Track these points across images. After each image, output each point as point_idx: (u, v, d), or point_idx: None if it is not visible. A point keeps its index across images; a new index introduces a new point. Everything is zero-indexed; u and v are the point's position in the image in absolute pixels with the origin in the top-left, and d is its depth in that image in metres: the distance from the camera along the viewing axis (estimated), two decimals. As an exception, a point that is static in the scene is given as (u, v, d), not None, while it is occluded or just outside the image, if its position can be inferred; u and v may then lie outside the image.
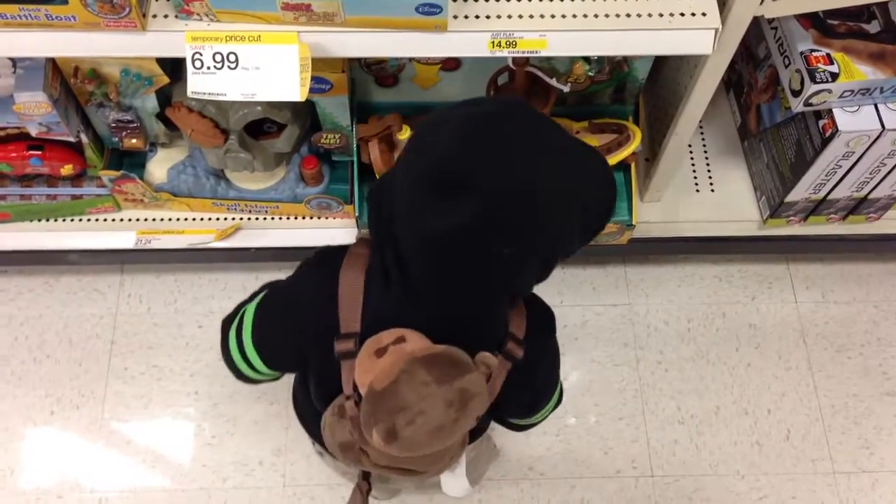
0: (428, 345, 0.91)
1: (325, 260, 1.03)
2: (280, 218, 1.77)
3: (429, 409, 0.87)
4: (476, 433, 1.19)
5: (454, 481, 1.17)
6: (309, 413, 1.17)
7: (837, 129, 1.49)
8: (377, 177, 1.56)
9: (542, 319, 1.09)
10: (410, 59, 1.56)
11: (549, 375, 1.15)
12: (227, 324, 1.15)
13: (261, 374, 1.14)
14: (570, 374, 1.93)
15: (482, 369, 0.91)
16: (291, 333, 1.04)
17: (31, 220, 1.75)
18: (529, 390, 1.10)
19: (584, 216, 0.90)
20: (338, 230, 1.77)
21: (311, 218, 1.76)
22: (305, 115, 1.61)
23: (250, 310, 1.11)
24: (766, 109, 1.75)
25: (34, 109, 1.45)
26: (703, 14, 1.25)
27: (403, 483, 1.21)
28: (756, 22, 1.31)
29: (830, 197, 1.72)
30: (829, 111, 1.51)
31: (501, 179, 0.82)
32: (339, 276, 0.97)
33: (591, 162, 0.93)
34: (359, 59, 1.56)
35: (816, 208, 1.77)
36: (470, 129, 0.86)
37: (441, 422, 0.88)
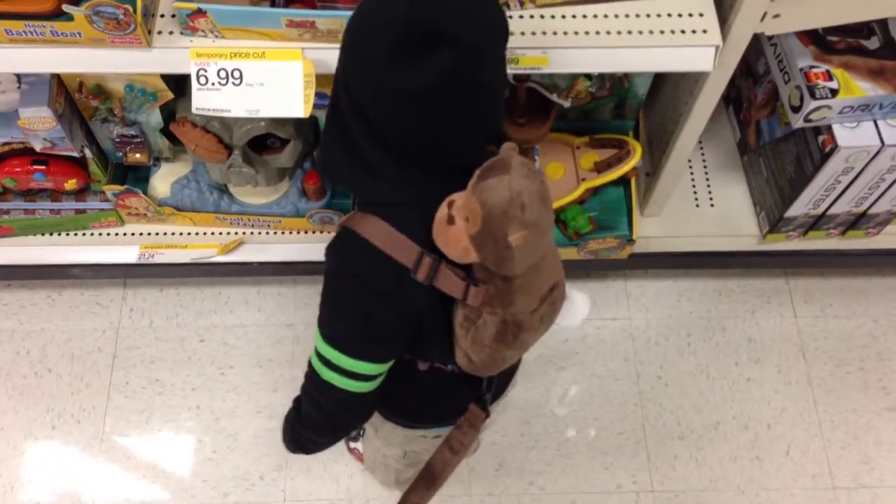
0: (467, 188, 0.94)
1: (338, 248, 1.04)
2: (283, 232, 1.77)
3: (524, 188, 0.91)
4: None
5: (571, 306, 1.18)
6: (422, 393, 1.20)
7: (837, 145, 1.50)
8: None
9: None
10: (412, 75, 1.57)
11: None
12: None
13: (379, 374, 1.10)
14: (571, 387, 1.93)
15: (511, 151, 0.96)
16: (391, 312, 1.03)
17: (35, 235, 1.76)
18: None
19: None
20: (340, 245, 1.77)
21: (314, 232, 1.77)
22: (308, 130, 1.62)
23: (336, 355, 1.05)
24: (765, 125, 1.76)
25: (39, 124, 1.46)
26: (704, 31, 1.26)
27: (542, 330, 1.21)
28: (756, 38, 1.32)
29: (830, 212, 1.73)
30: (829, 127, 1.52)
31: (468, 19, 0.90)
32: (363, 238, 0.99)
33: None
34: (361, 75, 1.57)
35: (816, 223, 1.78)
36: None
37: (538, 188, 0.92)
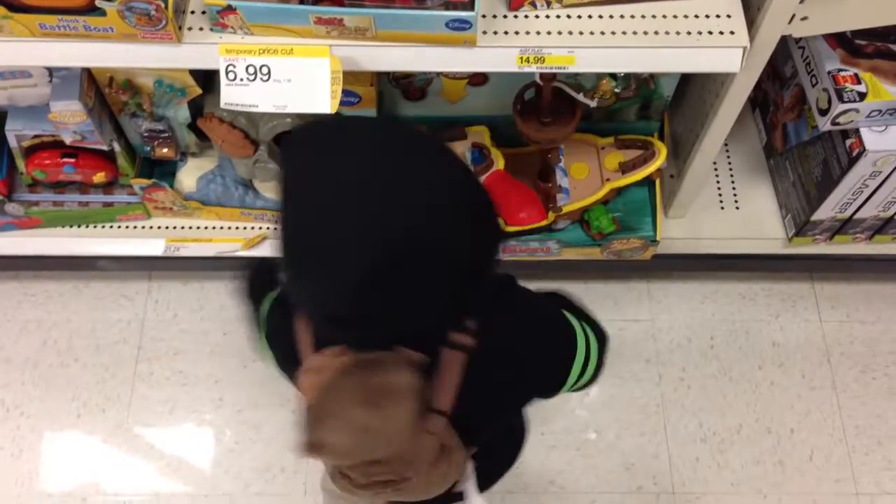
0: (361, 355, 0.91)
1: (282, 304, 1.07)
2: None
3: (346, 412, 0.86)
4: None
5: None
6: None
7: (864, 149, 1.49)
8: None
9: (493, 292, 1.02)
10: (438, 74, 1.58)
11: (537, 337, 1.05)
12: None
13: None
14: (592, 388, 1.92)
15: (401, 365, 0.90)
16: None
17: (63, 227, 1.78)
18: (514, 366, 1.02)
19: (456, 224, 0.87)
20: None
21: (337, 228, 1.78)
22: (334, 127, 1.63)
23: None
24: (792, 128, 1.75)
25: (69, 118, 1.48)
26: (732, 32, 1.26)
27: None
28: (783, 41, 1.31)
29: (857, 216, 1.71)
30: (857, 130, 1.51)
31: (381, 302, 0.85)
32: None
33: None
34: (387, 73, 1.58)
35: (842, 227, 1.76)
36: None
37: (362, 422, 0.86)
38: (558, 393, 1.11)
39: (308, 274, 0.86)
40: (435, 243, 0.84)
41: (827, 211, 1.69)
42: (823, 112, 1.49)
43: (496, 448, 1.20)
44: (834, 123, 1.48)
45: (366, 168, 0.83)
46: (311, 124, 0.91)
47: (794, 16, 1.26)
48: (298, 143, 0.89)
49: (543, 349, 1.06)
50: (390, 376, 0.89)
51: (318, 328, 0.96)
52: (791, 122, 1.75)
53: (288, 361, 1.05)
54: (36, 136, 1.60)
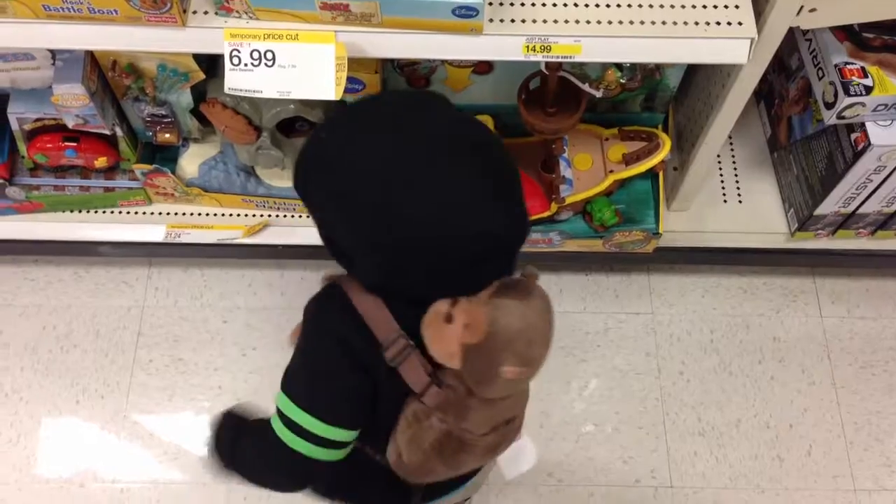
0: (480, 294, 0.91)
1: (323, 304, 0.99)
2: (308, 216, 1.78)
3: (536, 324, 0.90)
4: None
5: (521, 452, 1.17)
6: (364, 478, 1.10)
7: (870, 143, 1.49)
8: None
9: None
10: (443, 62, 1.57)
11: None
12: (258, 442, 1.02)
13: (347, 444, 1.01)
14: (591, 380, 1.93)
15: (533, 278, 0.95)
16: (357, 376, 0.96)
17: (64, 211, 1.78)
18: None
19: None
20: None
21: (339, 217, 1.77)
22: (337, 114, 1.63)
23: (296, 411, 0.97)
24: (797, 121, 1.74)
25: (72, 101, 1.47)
26: (740, 23, 1.25)
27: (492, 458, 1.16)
28: (790, 33, 1.30)
29: (860, 211, 1.71)
30: (862, 124, 1.50)
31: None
32: (349, 301, 0.95)
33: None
34: (391, 61, 1.57)
35: (845, 222, 1.76)
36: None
37: (547, 329, 0.91)
38: None
39: (439, 241, 0.87)
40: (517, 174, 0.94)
41: (830, 206, 1.69)
42: (829, 105, 1.48)
43: None
44: (840, 117, 1.48)
45: (441, 127, 0.91)
46: (347, 113, 0.94)
47: (802, 7, 1.25)
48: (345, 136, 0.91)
49: None
50: (537, 287, 0.94)
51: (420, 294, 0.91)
52: (796, 116, 1.74)
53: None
54: (38, 120, 1.59)
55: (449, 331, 0.88)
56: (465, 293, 0.91)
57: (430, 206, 0.86)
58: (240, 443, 1.04)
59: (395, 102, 0.99)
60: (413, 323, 0.92)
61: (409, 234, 0.87)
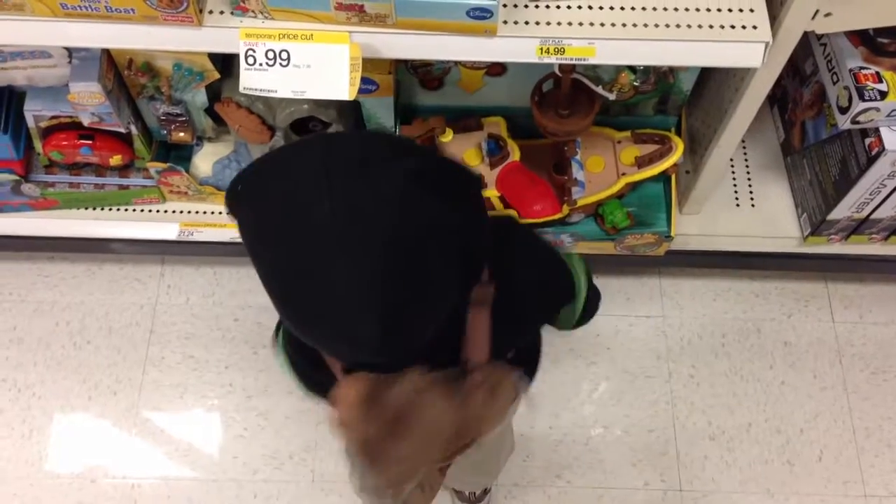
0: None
1: None
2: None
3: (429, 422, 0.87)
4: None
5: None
6: None
7: (884, 148, 1.48)
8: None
9: (496, 237, 0.97)
10: (457, 63, 1.57)
11: (544, 256, 1.09)
12: None
13: None
14: (601, 383, 1.93)
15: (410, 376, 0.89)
16: None
17: (79, 208, 1.79)
18: (532, 290, 1.03)
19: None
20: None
21: (351, 217, 1.78)
22: (350, 114, 1.63)
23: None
24: (810, 126, 1.74)
25: (88, 99, 1.48)
26: (754, 27, 1.25)
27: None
28: (804, 37, 1.30)
29: (873, 216, 1.70)
30: (876, 129, 1.50)
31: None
32: None
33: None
34: (405, 62, 1.58)
35: (858, 227, 1.75)
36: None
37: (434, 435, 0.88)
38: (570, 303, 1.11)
39: (319, 337, 0.84)
40: (429, 255, 0.80)
41: (843, 210, 1.68)
42: (843, 110, 1.48)
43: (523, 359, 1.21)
44: (854, 122, 1.47)
45: (327, 213, 0.76)
46: (242, 179, 0.88)
47: (817, 11, 1.25)
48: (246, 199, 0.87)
49: (551, 262, 1.10)
50: (403, 387, 0.86)
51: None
52: (810, 120, 1.74)
53: (311, 375, 1.06)
54: (54, 117, 1.60)
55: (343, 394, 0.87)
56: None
57: (309, 303, 0.82)
58: None
59: (303, 168, 0.83)
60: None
61: (290, 318, 0.85)
